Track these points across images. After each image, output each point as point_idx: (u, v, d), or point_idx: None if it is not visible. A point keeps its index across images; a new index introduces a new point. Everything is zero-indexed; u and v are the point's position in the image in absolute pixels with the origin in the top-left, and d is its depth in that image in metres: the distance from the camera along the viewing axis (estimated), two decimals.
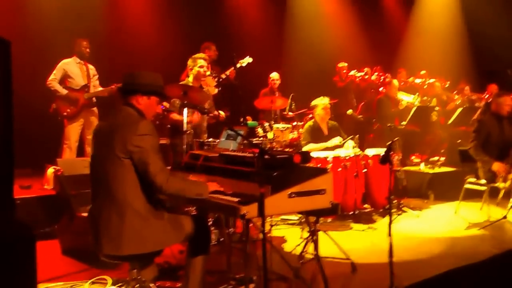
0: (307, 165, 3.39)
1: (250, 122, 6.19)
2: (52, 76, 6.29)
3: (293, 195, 3.05)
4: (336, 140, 6.15)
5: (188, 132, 5.05)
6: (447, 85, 9.23)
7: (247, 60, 7.00)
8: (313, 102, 6.50)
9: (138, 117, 3.04)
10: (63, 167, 5.37)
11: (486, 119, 5.98)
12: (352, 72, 8.68)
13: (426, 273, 4.02)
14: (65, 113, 6.28)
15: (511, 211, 5.50)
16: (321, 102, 6.39)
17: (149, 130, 2.95)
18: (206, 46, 7.07)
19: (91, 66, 6.57)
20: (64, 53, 6.51)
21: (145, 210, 2.94)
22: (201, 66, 5.45)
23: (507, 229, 5.39)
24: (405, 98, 8.02)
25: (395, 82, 8.09)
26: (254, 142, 4.54)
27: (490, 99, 8.51)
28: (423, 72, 9.42)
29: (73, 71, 6.38)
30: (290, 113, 7.64)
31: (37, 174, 6.49)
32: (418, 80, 9.15)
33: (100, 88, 6.53)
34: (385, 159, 3.74)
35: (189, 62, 5.51)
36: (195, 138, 5.30)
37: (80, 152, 6.52)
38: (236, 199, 3.01)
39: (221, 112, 5.75)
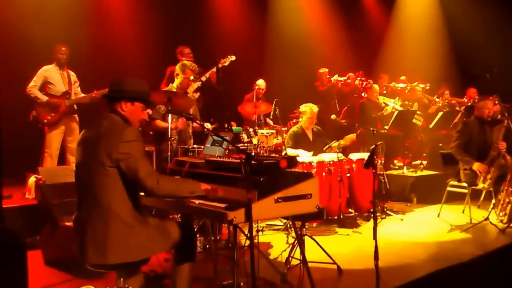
0: (293, 169, 3.40)
1: (234, 128, 6.15)
2: (32, 83, 6.18)
3: (280, 200, 3.06)
4: (307, 154, 6.15)
5: (173, 138, 5.02)
6: (427, 87, 9.35)
7: (230, 58, 6.67)
8: (302, 108, 6.50)
9: (123, 124, 3.00)
10: (44, 175, 5.26)
11: (470, 122, 6.13)
12: (335, 77, 8.75)
13: (411, 276, 4.06)
14: (45, 121, 6.18)
15: (492, 212, 5.61)
16: (310, 110, 6.39)
17: (135, 136, 2.92)
18: (179, 51, 6.93)
19: (72, 73, 6.47)
20: (45, 59, 6.40)
21: (131, 218, 2.90)
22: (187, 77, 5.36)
23: (489, 231, 5.47)
24: (388, 104, 8.10)
25: (376, 86, 8.19)
26: (240, 147, 4.52)
27: (470, 103, 8.66)
28: (403, 77, 9.54)
29: (54, 78, 6.28)
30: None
31: (17, 184, 6.34)
32: (400, 85, 9.25)
33: (82, 95, 6.44)
34: (369, 163, 3.76)
35: (177, 68, 5.41)
36: (180, 144, 5.25)
37: (61, 160, 6.41)
38: (223, 205, 3.01)
39: (208, 125, 5.70)
